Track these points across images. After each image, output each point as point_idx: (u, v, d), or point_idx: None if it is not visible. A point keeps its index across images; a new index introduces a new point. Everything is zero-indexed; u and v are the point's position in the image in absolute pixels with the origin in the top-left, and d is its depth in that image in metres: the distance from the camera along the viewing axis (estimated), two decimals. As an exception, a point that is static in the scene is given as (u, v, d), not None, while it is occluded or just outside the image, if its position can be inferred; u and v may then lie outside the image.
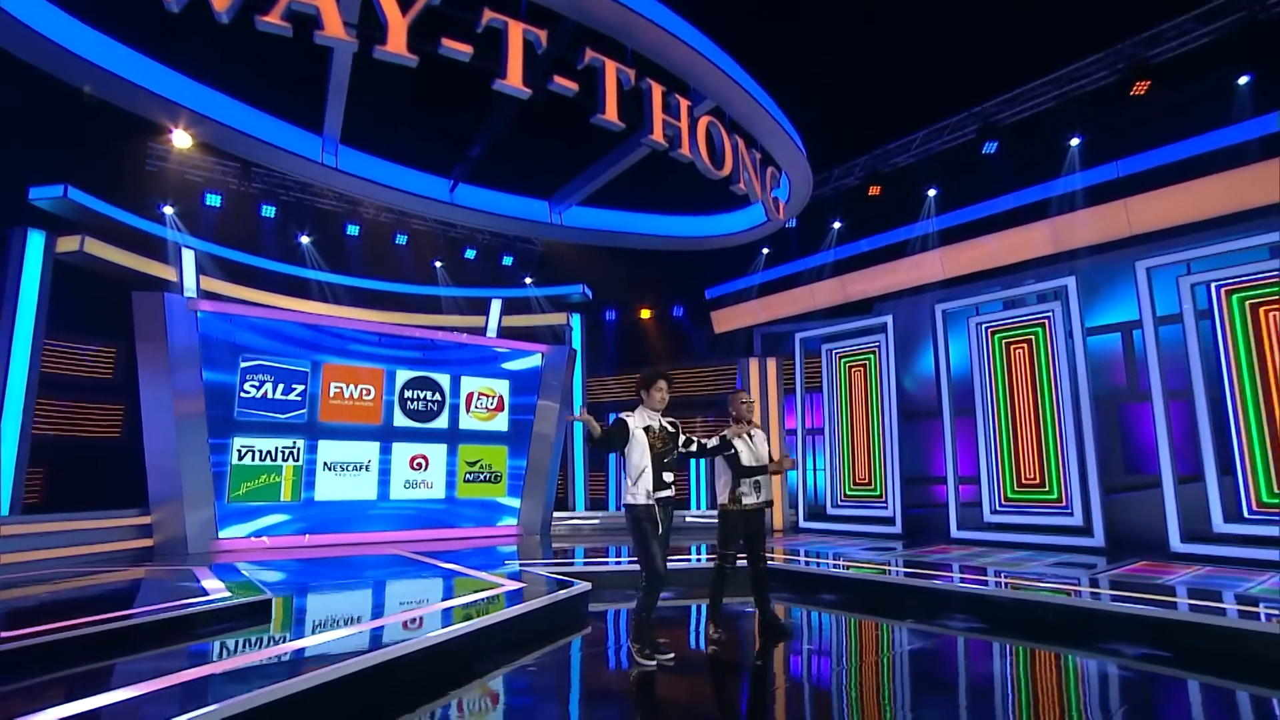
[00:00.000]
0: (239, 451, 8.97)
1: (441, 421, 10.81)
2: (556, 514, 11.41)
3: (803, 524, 10.81)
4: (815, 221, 12.62)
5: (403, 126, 8.51)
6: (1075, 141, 9.43)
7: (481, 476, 10.94)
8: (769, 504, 4.37)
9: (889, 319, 10.46)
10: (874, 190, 11.27)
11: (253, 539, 8.84)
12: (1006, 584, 5.17)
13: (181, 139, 7.31)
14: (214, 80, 6.83)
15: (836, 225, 12.63)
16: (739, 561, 4.37)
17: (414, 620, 4.20)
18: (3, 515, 7.63)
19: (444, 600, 4.96)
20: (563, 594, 4.82)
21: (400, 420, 10.49)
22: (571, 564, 6.70)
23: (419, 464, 10.54)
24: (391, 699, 3.34)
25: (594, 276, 14.29)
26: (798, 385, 11.39)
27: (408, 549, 8.68)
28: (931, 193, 11.23)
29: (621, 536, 9.89)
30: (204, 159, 9.78)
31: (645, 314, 15.49)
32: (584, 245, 13.73)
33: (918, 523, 9.81)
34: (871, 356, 10.65)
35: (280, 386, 9.40)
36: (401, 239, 12.31)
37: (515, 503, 11.03)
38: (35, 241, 8.44)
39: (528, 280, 14.00)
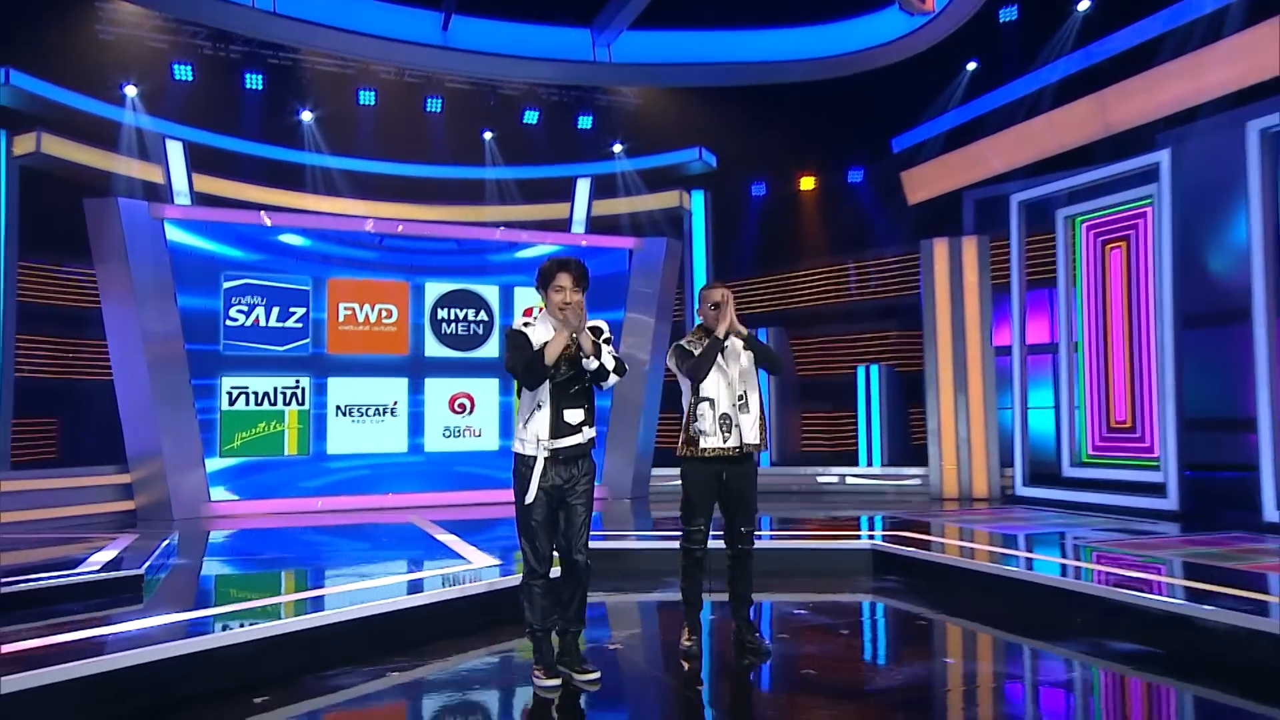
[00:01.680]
0: (229, 394, 9.72)
1: (490, 349, 10.96)
2: (657, 470, 11.19)
3: (1022, 489, 9.90)
4: (1048, 6, 10.62)
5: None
6: None
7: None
8: (753, 449, 4.04)
9: (1163, 157, 8.47)
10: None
11: (251, 503, 9.61)
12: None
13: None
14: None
15: (1084, 5, 10.56)
16: (711, 541, 4.15)
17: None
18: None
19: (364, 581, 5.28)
20: (502, 583, 4.87)
21: (434, 349, 10.75)
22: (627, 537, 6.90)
23: (462, 405, 10.79)
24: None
25: (718, 135, 13.42)
26: (1013, 279, 10.13)
27: (448, 515, 9.13)
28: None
29: (763, 502, 10.11)
30: (166, 21, 10.39)
31: (807, 183, 14.51)
32: (697, 92, 12.87)
33: (1206, 493, 8.56)
34: (1137, 226, 8.85)
35: (275, 311, 9.96)
36: (434, 104, 12.32)
37: (596, 452, 10.97)
38: (-4, 147, 9.57)
39: (617, 149, 13.48)
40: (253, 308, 9.85)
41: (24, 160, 9.74)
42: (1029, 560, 5.85)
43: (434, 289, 10.80)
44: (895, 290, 13.10)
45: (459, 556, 6.13)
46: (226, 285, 9.75)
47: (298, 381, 10.06)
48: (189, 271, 9.49)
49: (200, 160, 10.46)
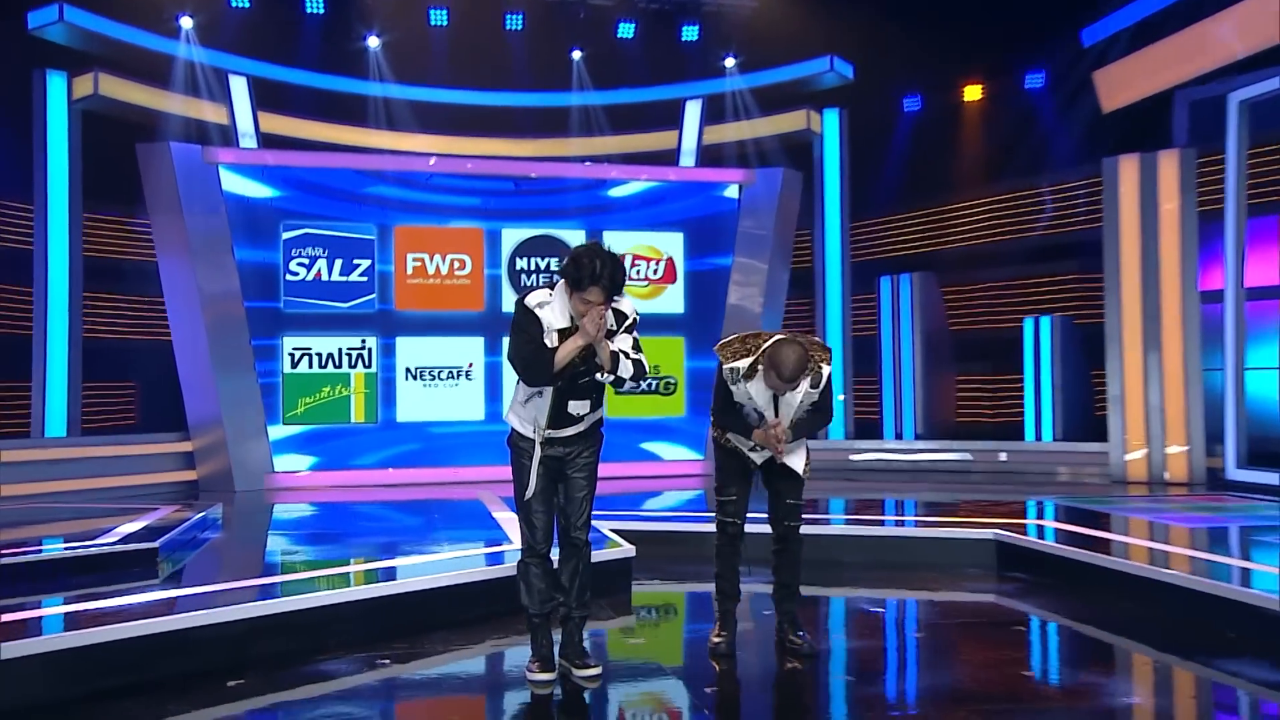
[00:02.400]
0: (291, 355, 10.30)
1: None
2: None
3: (1235, 473, 9.23)
4: None
5: None
6: None
7: (645, 386, 11.03)
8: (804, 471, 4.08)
9: None
10: None
11: (315, 474, 10.20)
12: None
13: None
14: None
15: None
16: (748, 517, 4.15)
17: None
18: (49, 437, 9.97)
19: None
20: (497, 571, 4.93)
21: (512, 303, 10.91)
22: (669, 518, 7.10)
23: (544, 369, 10.96)
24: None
25: (855, 40, 12.83)
26: (1228, 204, 9.35)
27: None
28: None
29: (897, 483, 10.28)
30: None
31: (973, 93, 13.71)
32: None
33: None
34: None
35: (338, 263, 10.44)
36: (514, 21, 12.40)
37: (700, 426, 10.97)
38: (56, 87, 10.40)
39: (729, 64, 13.13)
40: (314, 260, 10.36)
41: (83, 104, 10.56)
42: (1199, 560, 5.33)
43: (512, 235, 11.00)
44: (1076, 223, 12.19)
45: (508, 539, 6.16)
46: (286, 236, 10.30)
47: (364, 341, 10.52)
48: (246, 221, 10.08)
49: (259, 97, 11.00)
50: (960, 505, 8.05)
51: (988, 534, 5.92)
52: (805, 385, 3.81)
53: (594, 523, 6.33)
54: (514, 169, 11.35)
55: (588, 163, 11.59)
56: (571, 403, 3.64)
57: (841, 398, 12.42)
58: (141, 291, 11.83)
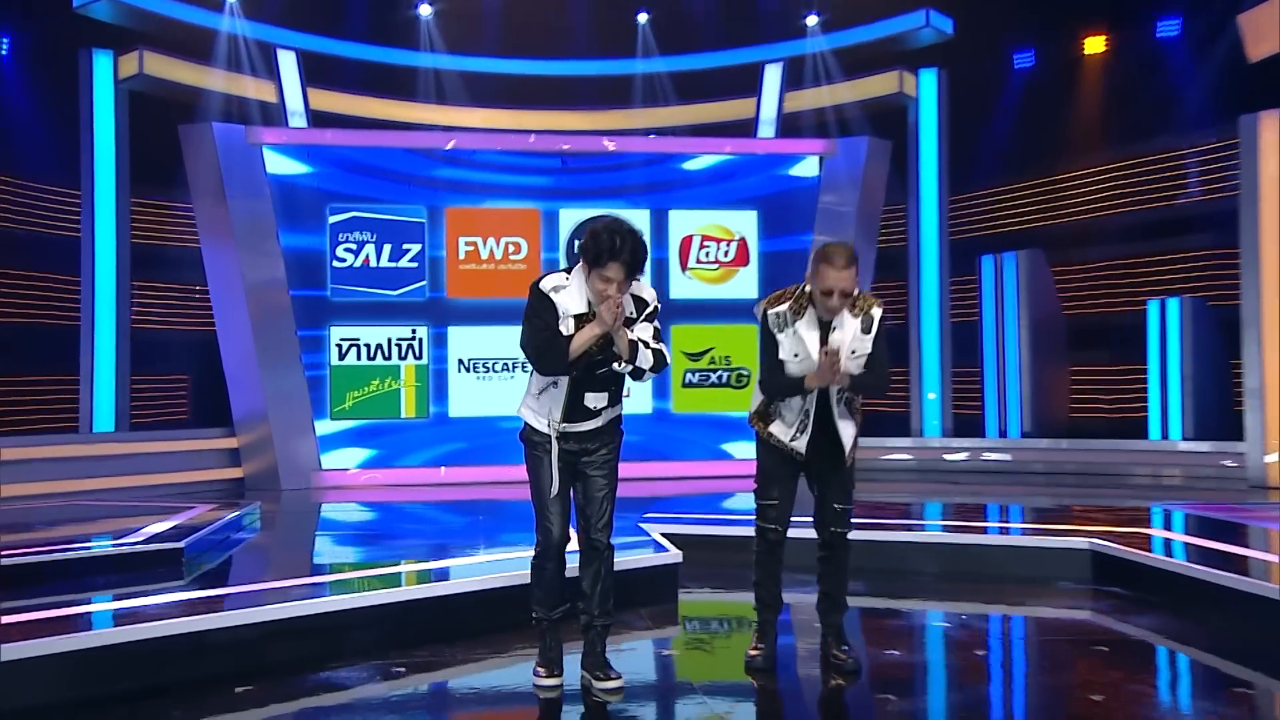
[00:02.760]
0: (339, 346, 10.60)
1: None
2: (867, 440, 10.96)
3: None
4: None
5: None
6: None
7: (714, 378, 11.05)
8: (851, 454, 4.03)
9: None
10: None
11: (365, 472, 10.48)
12: None
13: None
14: None
15: None
16: (790, 523, 4.11)
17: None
18: (95, 432, 10.48)
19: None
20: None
21: (571, 290, 11.08)
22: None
23: (607, 360, 11.07)
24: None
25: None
26: None
27: None
28: None
29: (998, 486, 10.17)
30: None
31: (1094, 45, 13.27)
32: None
33: None
34: None
35: (387, 248, 10.70)
36: (574, -17, 12.46)
37: (776, 423, 10.94)
38: (103, 67, 10.88)
39: (810, 22, 12.95)
40: (361, 245, 10.63)
41: (129, 84, 11.02)
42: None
43: (570, 216, 11.09)
44: (1211, 191, 11.68)
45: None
46: (332, 220, 10.59)
47: (414, 331, 10.76)
48: (292, 205, 10.39)
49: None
50: (1063, 510, 7.85)
51: (1081, 543, 5.73)
52: (856, 327, 3.81)
53: (645, 525, 6.49)
54: (576, 144, 11.39)
55: (652, 135, 11.59)
56: (588, 395, 3.70)
57: (932, 395, 12.22)
58: (193, 280, 12.28)
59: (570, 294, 3.65)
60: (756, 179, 11.37)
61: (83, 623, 4.29)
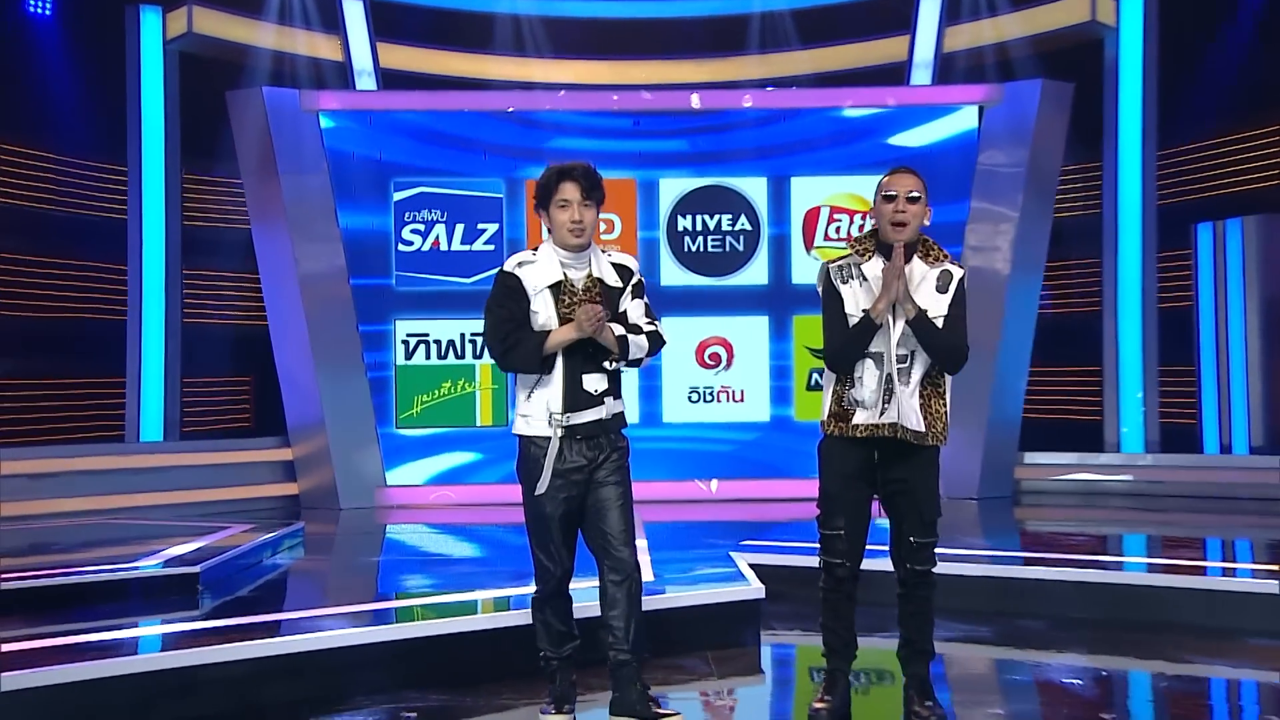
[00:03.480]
0: (405, 343, 10.87)
1: (755, 273, 11.15)
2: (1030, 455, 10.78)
3: None
4: None
5: None
6: None
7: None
8: (931, 434, 3.98)
9: None
10: None
11: (434, 489, 10.74)
12: None
13: None
14: None
15: None
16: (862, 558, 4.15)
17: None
18: (142, 442, 11.03)
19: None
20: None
21: (673, 274, 11.12)
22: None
23: (715, 357, 11.07)
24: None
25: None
26: None
27: (677, 513, 9.62)
28: None
29: (1210, 515, 10.17)
30: None
31: None
32: None
33: None
34: None
35: (459, 229, 10.92)
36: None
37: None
38: (151, 26, 11.33)
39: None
40: (431, 225, 10.88)
41: (178, 44, 11.45)
42: None
43: (671, 187, 11.11)
44: None
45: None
46: (398, 197, 10.88)
47: (491, 327, 10.92)
48: (351, 180, 10.73)
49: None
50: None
51: (1272, 585, 5.45)
52: (932, 282, 3.90)
53: (734, 555, 6.46)
54: (680, 102, 11.33)
55: (770, 88, 11.46)
56: (587, 378, 3.84)
57: (1140, 396, 11.72)
58: (254, 266, 12.71)
59: (539, 267, 3.87)
60: (898, 137, 11.10)
61: (64, 655, 4.42)
